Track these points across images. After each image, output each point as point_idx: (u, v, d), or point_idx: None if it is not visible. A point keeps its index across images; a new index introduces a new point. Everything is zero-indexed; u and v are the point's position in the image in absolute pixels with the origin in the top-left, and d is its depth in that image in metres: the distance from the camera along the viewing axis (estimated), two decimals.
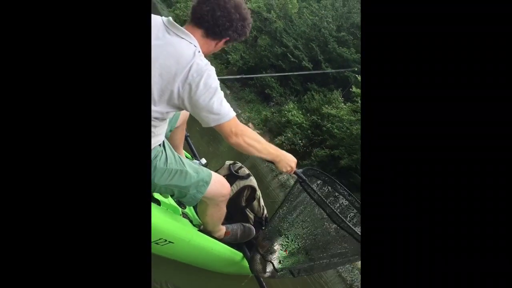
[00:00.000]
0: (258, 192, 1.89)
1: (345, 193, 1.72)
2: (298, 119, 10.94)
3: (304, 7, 13.73)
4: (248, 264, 1.79)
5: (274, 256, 1.61)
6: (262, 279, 1.79)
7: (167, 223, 1.54)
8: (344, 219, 1.36)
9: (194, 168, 1.48)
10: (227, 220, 1.76)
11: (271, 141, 11.12)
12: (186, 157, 1.89)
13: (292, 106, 11.38)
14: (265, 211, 1.96)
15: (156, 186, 1.42)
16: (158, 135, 1.37)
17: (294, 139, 10.99)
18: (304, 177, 1.46)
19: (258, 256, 1.71)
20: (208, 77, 1.19)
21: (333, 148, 9.85)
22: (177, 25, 1.24)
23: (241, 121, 1.40)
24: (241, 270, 1.89)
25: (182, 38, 1.23)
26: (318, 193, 1.44)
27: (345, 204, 1.70)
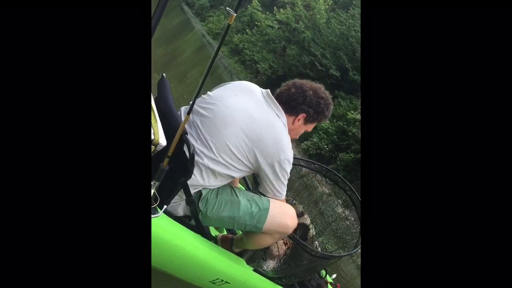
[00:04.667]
0: (312, 231, 1.74)
1: (346, 187, 1.75)
2: (324, 124, 10.74)
3: (332, 17, 13.46)
4: None
5: None
6: None
7: (224, 263, 1.40)
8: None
9: (249, 197, 1.33)
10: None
11: (297, 146, 11.00)
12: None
13: None
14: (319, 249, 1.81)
15: (210, 219, 1.29)
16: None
17: (320, 144, 10.78)
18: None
19: None
20: (288, 161, 1.27)
21: (358, 152, 9.60)
22: (273, 98, 1.31)
23: None
24: None
25: (275, 111, 1.28)
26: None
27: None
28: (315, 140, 10.63)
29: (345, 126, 10.42)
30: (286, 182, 1.33)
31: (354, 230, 1.82)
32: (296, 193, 1.96)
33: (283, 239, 1.47)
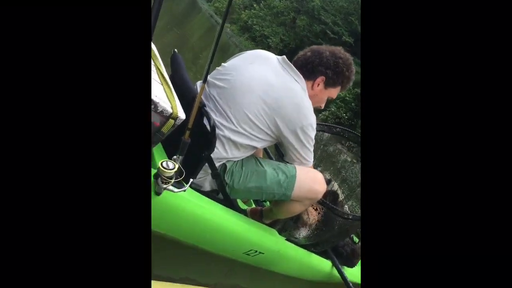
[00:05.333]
0: (341, 196, 1.70)
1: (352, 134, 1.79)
2: (341, 93, 10.49)
3: None
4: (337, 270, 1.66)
5: None
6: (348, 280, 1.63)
7: (256, 234, 1.38)
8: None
9: (274, 166, 1.30)
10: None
11: (316, 116, 10.85)
12: None
13: None
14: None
15: (238, 191, 1.26)
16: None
17: (338, 113, 10.58)
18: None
19: None
20: (311, 127, 1.22)
21: None
22: (290, 63, 1.25)
23: None
24: (330, 279, 1.74)
25: (292, 76, 1.23)
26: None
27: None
28: (333, 109, 10.42)
29: None
30: (312, 149, 1.28)
31: None
32: (319, 160, 1.93)
33: (312, 205, 1.44)
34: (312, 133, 1.24)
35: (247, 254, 1.40)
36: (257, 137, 1.21)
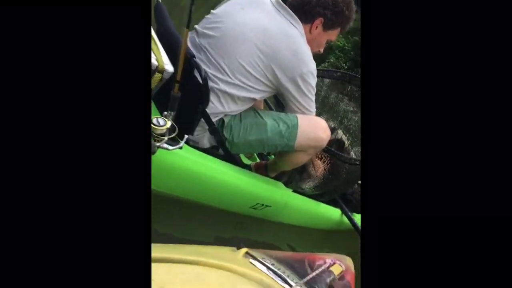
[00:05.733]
0: (346, 143, 1.64)
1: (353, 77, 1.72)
2: (339, 43, 10.15)
3: None
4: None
5: None
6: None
7: (261, 188, 1.34)
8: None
9: (275, 116, 1.23)
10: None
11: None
12: None
13: None
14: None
15: (238, 146, 1.21)
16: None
17: (338, 64, 10.35)
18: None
19: None
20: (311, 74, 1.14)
21: None
22: (285, 6, 1.15)
23: None
24: (340, 227, 1.73)
25: (289, 20, 1.13)
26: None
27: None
28: (332, 60, 10.15)
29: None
30: (313, 98, 1.21)
31: None
32: (321, 107, 1.86)
33: (317, 154, 1.38)
34: (313, 81, 1.16)
35: (254, 208, 1.38)
36: (255, 88, 1.13)
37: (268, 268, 0.64)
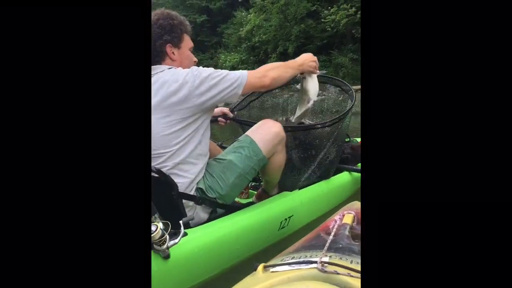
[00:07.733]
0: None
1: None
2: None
3: None
4: None
5: None
6: None
7: (275, 208, 1.36)
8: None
9: (232, 150, 1.28)
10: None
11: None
12: None
13: None
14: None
15: (228, 194, 1.24)
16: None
17: None
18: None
19: None
20: (197, 72, 1.16)
21: None
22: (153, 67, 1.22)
23: None
24: (357, 183, 1.78)
25: (158, 72, 1.19)
26: None
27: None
28: None
29: None
30: (222, 73, 1.18)
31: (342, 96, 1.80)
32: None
33: (286, 145, 1.41)
34: (205, 73, 1.16)
35: (282, 228, 1.39)
36: (186, 134, 1.16)
37: (289, 264, 0.64)
